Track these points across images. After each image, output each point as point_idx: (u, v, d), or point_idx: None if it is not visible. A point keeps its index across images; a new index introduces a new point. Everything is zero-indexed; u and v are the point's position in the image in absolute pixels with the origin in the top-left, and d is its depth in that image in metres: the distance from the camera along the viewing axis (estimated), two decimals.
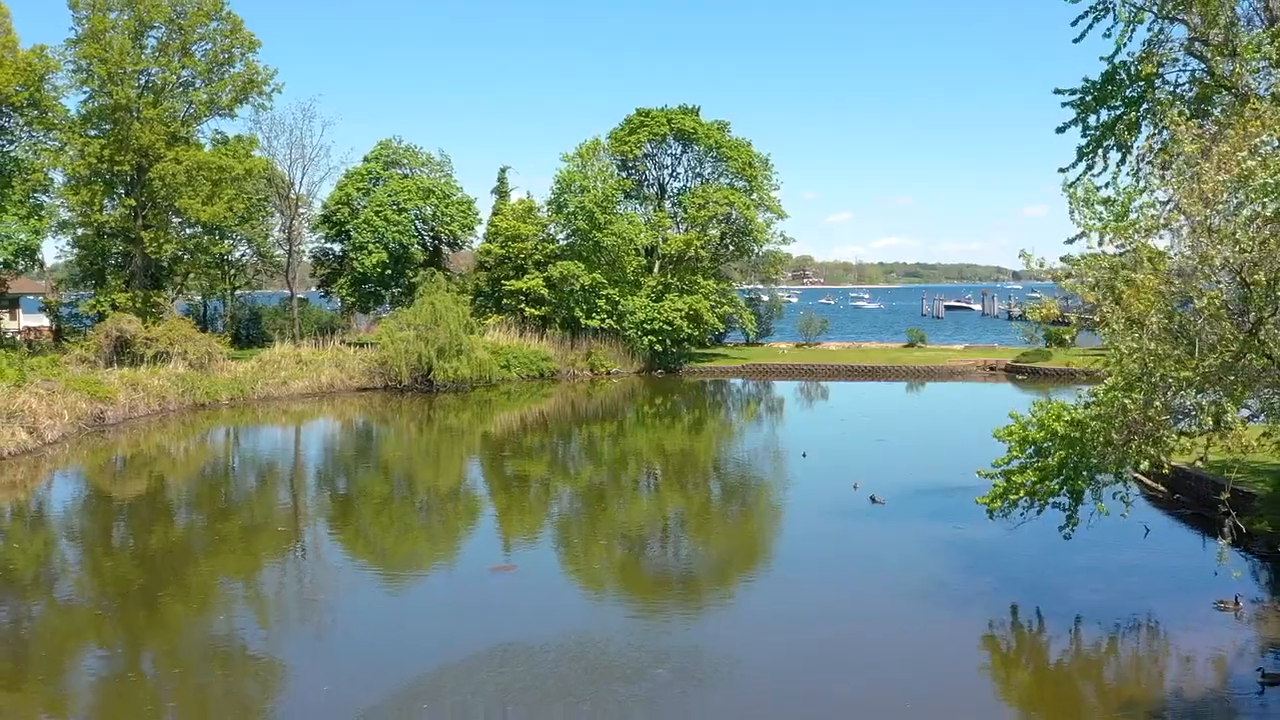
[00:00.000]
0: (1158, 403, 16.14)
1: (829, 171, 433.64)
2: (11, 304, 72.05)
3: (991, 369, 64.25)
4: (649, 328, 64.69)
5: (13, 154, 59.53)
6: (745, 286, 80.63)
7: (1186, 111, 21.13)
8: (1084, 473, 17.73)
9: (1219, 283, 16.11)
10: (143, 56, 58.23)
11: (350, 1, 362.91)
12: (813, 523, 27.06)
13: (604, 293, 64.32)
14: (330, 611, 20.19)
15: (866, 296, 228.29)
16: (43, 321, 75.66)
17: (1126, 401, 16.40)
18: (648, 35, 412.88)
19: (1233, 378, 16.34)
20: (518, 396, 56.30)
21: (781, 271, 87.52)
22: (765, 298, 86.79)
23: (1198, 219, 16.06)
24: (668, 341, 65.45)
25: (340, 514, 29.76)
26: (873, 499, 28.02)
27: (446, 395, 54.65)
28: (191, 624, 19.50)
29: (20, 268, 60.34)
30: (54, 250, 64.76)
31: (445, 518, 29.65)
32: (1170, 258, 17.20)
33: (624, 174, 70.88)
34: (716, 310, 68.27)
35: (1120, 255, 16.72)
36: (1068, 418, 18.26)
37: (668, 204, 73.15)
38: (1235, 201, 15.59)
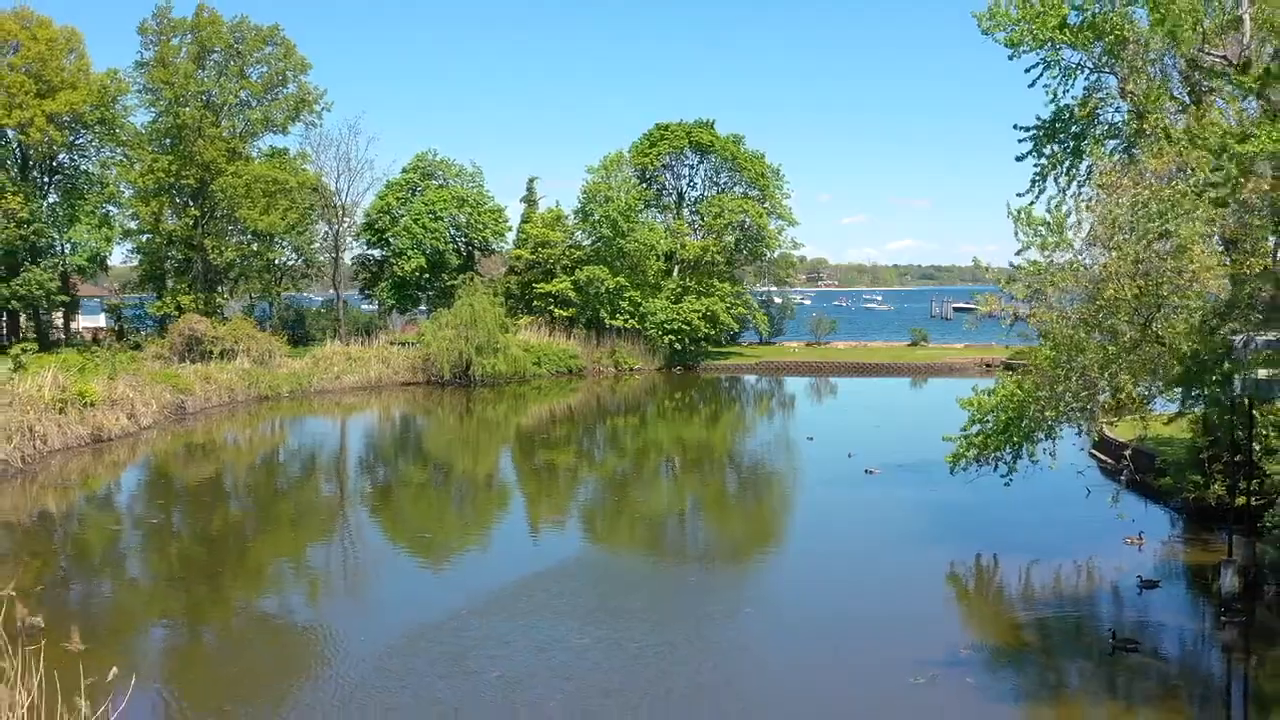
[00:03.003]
0: (1074, 379, 20.92)
1: (844, 174, 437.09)
2: (73, 306, 77.39)
3: (988, 365, 68.72)
4: (669, 328, 69.69)
5: (84, 168, 65.05)
6: (759, 289, 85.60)
7: (1109, 147, 25.97)
8: (1022, 431, 22.51)
9: (1124, 286, 20.93)
10: (204, 79, 63.48)
11: (392, 23, 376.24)
12: (816, 489, 32.08)
13: (627, 295, 69.24)
14: (427, 549, 25.30)
15: (879, 299, 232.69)
16: (99, 322, 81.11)
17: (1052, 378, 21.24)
18: (668, 38, 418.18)
19: (1134, 358, 21.15)
20: (548, 391, 61.21)
21: (794, 274, 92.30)
22: (778, 300, 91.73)
23: (1104, 236, 20.94)
24: (686, 340, 70.44)
25: (407, 489, 34.96)
26: (867, 471, 32.78)
27: (483, 389, 59.52)
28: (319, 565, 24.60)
29: (91, 273, 65.61)
30: (119, 256, 69.96)
31: (494, 493, 34.77)
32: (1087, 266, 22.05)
33: (645, 184, 75.93)
34: (731, 311, 73.21)
35: (1048, 264, 21.53)
36: (1014, 388, 23.08)
37: (686, 212, 78.27)
38: (1131, 224, 20.42)
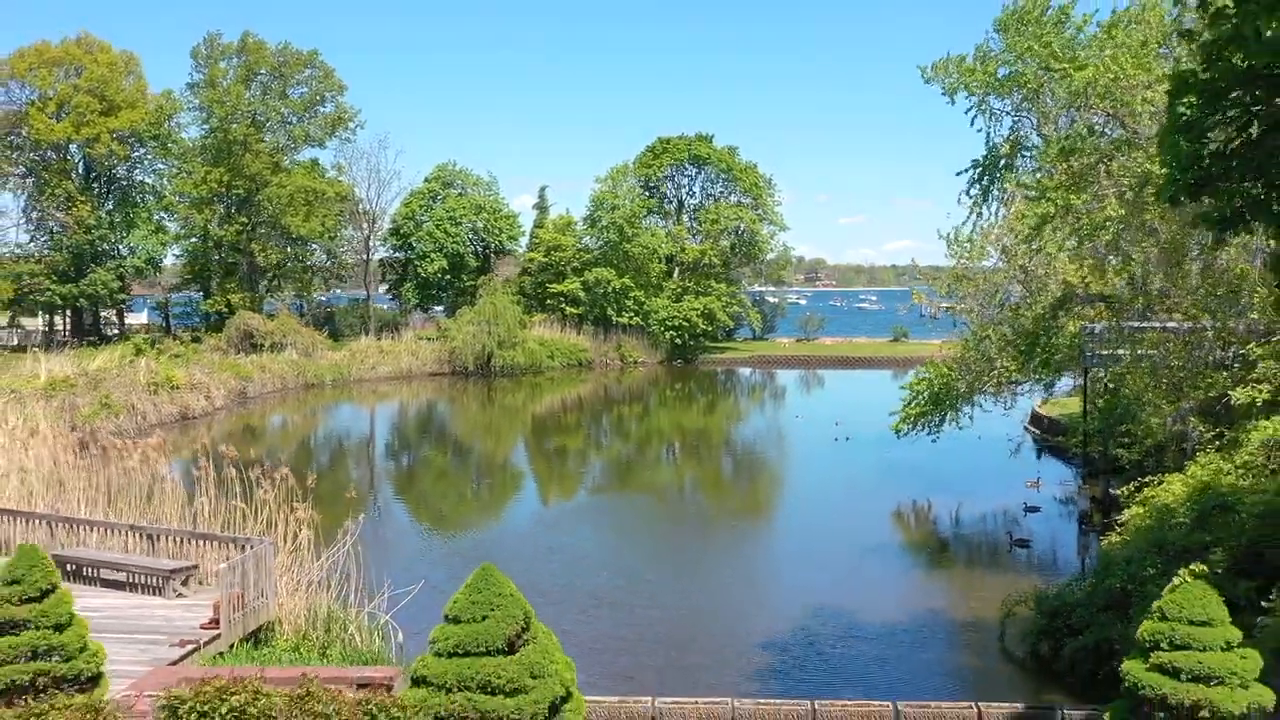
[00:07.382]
0: (980, 360, 27.56)
1: (843, 174, 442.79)
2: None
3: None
4: (670, 324, 76.48)
5: (139, 179, 71.71)
6: (755, 289, 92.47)
7: (1035, 178, 32.57)
8: (948, 402, 29.16)
9: (1017, 288, 27.63)
10: (250, 98, 70.11)
11: (407, 33, 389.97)
12: (797, 453, 39.07)
13: (631, 295, 75.98)
14: (493, 492, 32.06)
15: (873, 299, 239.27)
16: (142, 318, 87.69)
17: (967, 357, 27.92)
18: (671, 41, 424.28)
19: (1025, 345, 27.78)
20: (560, 381, 67.85)
21: (791, 275, 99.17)
22: (773, 299, 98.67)
23: (1000, 252, 27.71)
24: (686, 336, 77.23)
25: (450, 460, 41.79)
26: (836, 439, 39.59)
27: (502, 379, 66.12)
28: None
29: (147, 274, 72.25)
30: (167, 258, 76.72)
31: (530, 463, 41.49)
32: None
33: (647, 193, 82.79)
34: (728, 310, 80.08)
35: (962, 271, 28.25)
36: (944, 369, 29.73)
37: (685, 219, 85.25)
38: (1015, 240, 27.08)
